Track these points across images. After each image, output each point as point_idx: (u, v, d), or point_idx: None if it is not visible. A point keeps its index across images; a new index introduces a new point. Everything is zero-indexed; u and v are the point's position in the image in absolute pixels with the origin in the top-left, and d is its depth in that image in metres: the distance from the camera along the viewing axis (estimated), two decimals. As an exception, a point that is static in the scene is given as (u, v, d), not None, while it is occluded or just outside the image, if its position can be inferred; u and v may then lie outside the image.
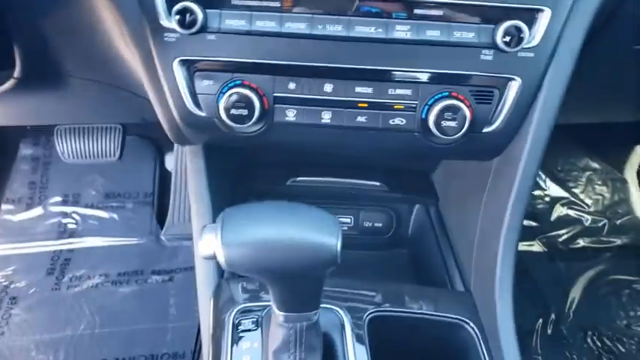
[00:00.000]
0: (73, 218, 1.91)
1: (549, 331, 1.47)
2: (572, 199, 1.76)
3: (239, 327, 0.74)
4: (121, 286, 1.71)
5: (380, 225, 1.04)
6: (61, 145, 1.81)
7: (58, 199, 1.95)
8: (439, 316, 0.77)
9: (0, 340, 1.60)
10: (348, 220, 1.05)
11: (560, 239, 1.71)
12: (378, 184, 1.01)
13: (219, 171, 0.91)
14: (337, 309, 0.75)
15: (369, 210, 1.04)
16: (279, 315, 0.62)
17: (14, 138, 2.04)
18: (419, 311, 0.78)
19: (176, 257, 1.78)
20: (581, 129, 1.38)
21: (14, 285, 1.75)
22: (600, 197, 1.76)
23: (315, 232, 0.53)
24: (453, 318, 0.77)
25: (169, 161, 1.99)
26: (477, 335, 0.75)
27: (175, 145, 1.92)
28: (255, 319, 0.75)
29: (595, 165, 1.80)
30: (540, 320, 1.44)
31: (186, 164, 1.92)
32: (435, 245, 0.94)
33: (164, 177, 1.96)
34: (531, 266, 1.60)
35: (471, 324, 0.77)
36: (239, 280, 0.85)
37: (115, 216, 1.91)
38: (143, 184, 1.97)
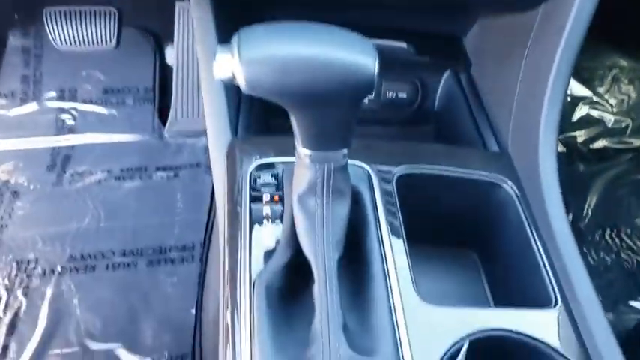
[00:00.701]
0: (71, 114, 1.83)
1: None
2: (596, 98, 1.67)
3: (257, 181, 0.68)
4: (124, 182, 1.67)
5: (404, 96, 0.95)
6: (52, 30, 1.69)
7: (54, 94, 1.85)
8: (474, 174, 0.71)
9: (5, 233, 1.58)
10: (370, 91, 0.96)
11: (580, 140, 1.64)
12: (404, 45, 0.92)
13: (228, 28, 0.82)
14: (364, 165, 0.69)
15: (392, 79, 0.95)
16: (304, 155, 0.56)
17: (1, 30, 1.91)
18: (452, 170, 0.71)
19: (181, 154, 1.72)
20: (610, 25, 1.27)
21: (15, 180, 1.71)
22: (625, 97, 1.67)
23: (349, 49, 0.45)
24: (489, 177, 0.71)
25: (170, 55, 1.88)
26: (516, 195, 0.70)
27: (175, 37, 1.81)
28: (274, 174, 0.69)
29: (623, 63, 1.70)
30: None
31: (186, 58, 1.83)
32: (466, 112, 0.86)
33: (164, 72, 1.86)
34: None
35: (510, 183, 0.71)
36: (254, 137, 0.78)
37: (115, 112, 1.82)
38: (143, 79, 1.86)
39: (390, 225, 0.64)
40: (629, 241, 1.42)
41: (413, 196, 0.70)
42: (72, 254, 1.50)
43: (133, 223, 1.55)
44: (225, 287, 0.60)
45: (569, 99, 1.67)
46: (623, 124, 1.66)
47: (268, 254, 0.62)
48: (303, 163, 0.57)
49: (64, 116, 1.82)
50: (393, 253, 0.62)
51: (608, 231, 1.43)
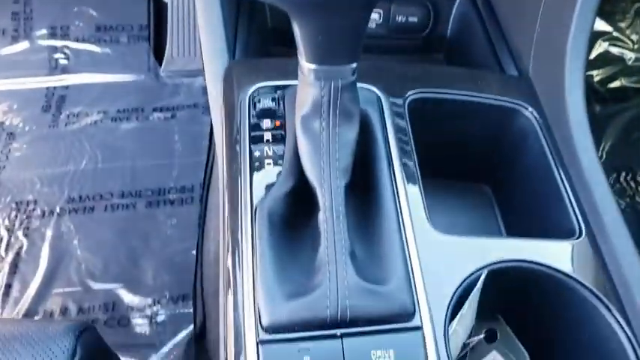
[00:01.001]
0: (64, 53, 1.75)
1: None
2: (616, 34, 1.57)
3: (257, 106, 0.62)
4: (121, 123, 1.62)
5: (414, 20, 0.88)
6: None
7: (45, 31, 1.78)
8: (492, 99, 0.66)
9: (2, 174, 1.55)
10: (377, 16, 0.89)
11: (598, 79, 1.56)
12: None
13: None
14: (373, 88, 0.63)
15: (402, 1, 0.87)
16: (308, 70, 0.50)
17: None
18: (468, 94, 0.66)
19: (178, 94, 1.66)
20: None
21: (9, 121, 1.66)
22: (648, 32, 1.58)
23: None
24: (508, 102, 0.66)
25: (165, -10, 1.78)
26: (537, 121, 0.64)
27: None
28: (275, 97, 0.63)
29: (647, -4, 1.59)
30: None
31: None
32: (482, 38, 0.79)
33: (159, 8, 1.76)
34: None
35: (530, 109, 0.65)
36: (254, 59, 0.72)
37: (109, 51, 1.75)
38: (137, 16, 1.77)
39: (402, 151, 0.59)
40: (644, 184, 1.38)
41: (425, 122, 0.64)
42: (70, 196, 1.48)
43: (131, 165, 1.51)
44: (226, 232, 0.56)
45: (587, 35, 1.57)
46: (644, 62, 1.57)
47: (270, 187, 0.58)
48: (307, 80, 0.51)
49: (57, 55, 1.75)
50: (404, 181, 0.57)
51: (623, 174, 1.38)
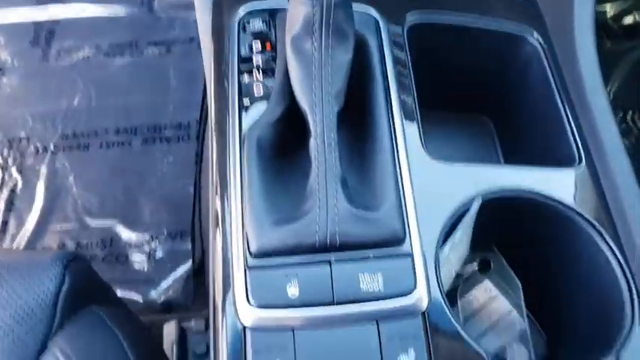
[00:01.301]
0: (52, -17, 1.68)
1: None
2: (633, -35, 1.49)
3: (247, 28, 0.59)
4: (114, 58, 1.57)
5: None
6: None
7: (32, -40, 1.70)
8: (496, 25, 0.62)
9: (-7, 111, 1.52)
10: None
11: (610, 14, 1.49)
12: None
13: None
14: (370, 9, 0.59)
15: None
16: None
17: None
18: (471, 19, 0.62)
19: (173, 29, 1.60)
20: None
21: (-3, 57, 1.61)
22: (667, -36, 1.49)
23: None
24: (513, 28, 0.62)
25: None
26: (542, 47, 0.61)
27: None
28: (265, 20, 0.59)
29: None
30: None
31: None
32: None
33: None
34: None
35: (535, 34, 0.61)
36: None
37: (100, -19, 1.67)
38: (127, -58, 1.68)
39: (399, 77, 0.56)
40: (649, 124, 1.34)
41: (425, 51, 0.61)
42: (64, 132, 1.45)
43: (126, 101, 1.48)
44: (215, 175, 0.54)
45: (602, -34, 1.49)
46: (660, -3, 1.49)
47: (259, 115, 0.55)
48: None
49: (45, -14, 1.67)
50: (400, 109, 0.54)
51: (630, 113, 1.34)
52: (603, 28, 1.50)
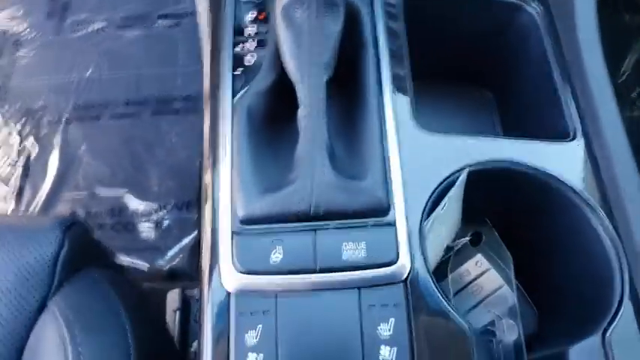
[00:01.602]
0: (66, -45, 1.68)
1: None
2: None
3: (239, -5, 0.59)
4: (125, 31, 1.57)
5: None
6: None
7: None
8: None
9: (11, 81, 1.55)
10: None
11: (631, -13, 1.44)
12: None
13: None
14: None
15: None
16: None
17: None
18: None
19: (183, 2, 1.59)
20: None
21: (15, 28, 1.63)
22: None
23: None
24: None
25: None
26: (541, 18, 0.59)
27: None
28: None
29: None
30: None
31: None
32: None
33: None
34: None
35: (535, 4, 0.60)
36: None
37: (112, -47, 1.67)
38: None
39: (393, 47, 0.56)
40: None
41: (423, 19, 0.60)
42: (77, 103, 1.48)
43: (136, 73, 1.49)
44: (206, 144, 0.54)
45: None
46: (686, -31, 1.43)
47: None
48: None
49: (58, -42, 1.68)
50: (391, 80, 0.54)
51: (645, 90, 1.31)
52: (622, 1, 1.46)
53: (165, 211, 1.31)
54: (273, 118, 0.53)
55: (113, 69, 1.51)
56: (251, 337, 0.44)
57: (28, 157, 1.42)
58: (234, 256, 0.46)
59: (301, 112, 0.50)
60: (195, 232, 1.29)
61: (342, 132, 0.52)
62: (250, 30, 0.58)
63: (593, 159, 0.53)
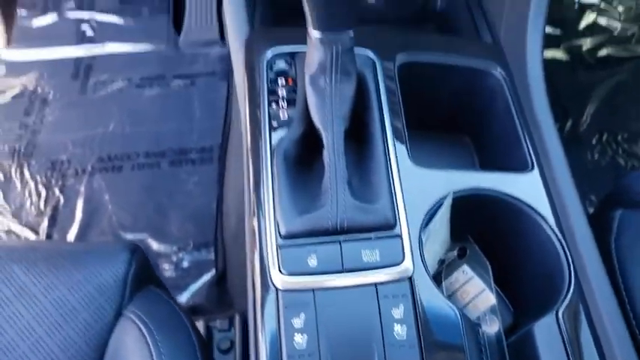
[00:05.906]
0: (90, 25, 1.89)
1: (564, 134, 1.50)
2: (604, 5, 1.67)
3: (273, 67, 0.76)
4: (144, 90, 1.75)
5: (408, -5, 1.00)
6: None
7: (72, 4, 1.91)
8: (469, 62, 0.79)
9: (38, 137, 1.70)
10: (375, -7, 1.02)
11: (585, 48, 1.67)
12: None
13: None
14: (369, 52, 0.76)
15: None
16: (315, 38, 0.63)
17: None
18: (449, 57, 0.79)
19: (196, 63, 1.79)
20: None
21: (42, 89, 1.80)
22: (634, 3, 1.67)
23: None
24: (482, 64, 0.79)
25: (183, -36, 1.90)
26: (504, 80, 0.78)
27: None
28: (289, 60, 0.76)
29: (636, -33, 1.68)
30: (557, 125, 1.47)
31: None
32: (465, 10, 0.92)
33: (178, -18, 1.88)
34: (552, 74, 1.59)
35: (499, 69, 0.78)
36: (270, 29, 0.85)
37: (132, 22, 1.88)
38: (157, -11, 1.90)
39: (392, 111, 0.73)
40: (625, 145, 1.50)
41: (413, 83, 0.77)
42: (100, 156, 1.63)
43: (155, 129, 1.66)
44: (250, 173, 0.69)
45: (576, 7, 1.68)
46: (629, 32, 1.67)
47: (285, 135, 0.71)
48: (314, 45, 0.64)
49: (84, 26, 1.88)
50: (392, 128, 0.71)
51: (605, 135, 1.50)
52: (579, 61, 1.68)
53: (184, 252, 1.44)
54: (304, 158, 0.69)
55: (134, 124, 1.68)
56: (297, 323, 0.58)
57: (55, 207, 1.55)
58: (280, 262, 0.61)
59: (326, 153, 0.66)
60: (213, 271, 1.42)
61: (357, 168, 0.68)
62: (281, 92, 0.75)
63: (546, 183, 0.70)
